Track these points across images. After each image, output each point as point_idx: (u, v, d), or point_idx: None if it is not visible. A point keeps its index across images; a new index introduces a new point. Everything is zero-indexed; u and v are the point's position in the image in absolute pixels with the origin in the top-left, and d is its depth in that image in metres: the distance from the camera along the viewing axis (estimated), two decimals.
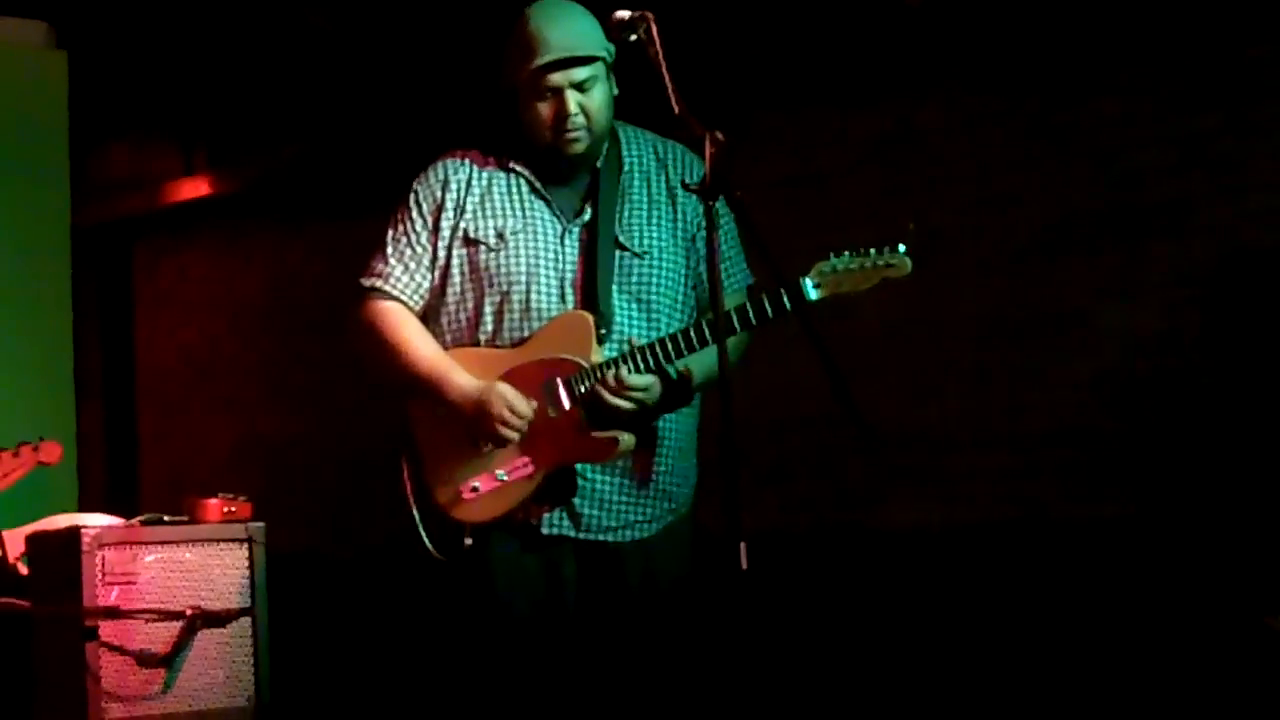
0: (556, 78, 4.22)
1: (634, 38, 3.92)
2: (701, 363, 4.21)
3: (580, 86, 4.23)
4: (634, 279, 4.31)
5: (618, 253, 4.31)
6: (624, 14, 3.93)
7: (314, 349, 9.33)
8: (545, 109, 4.25)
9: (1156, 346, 6.31)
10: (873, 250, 4.16)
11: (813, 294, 4.12)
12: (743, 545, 3.52)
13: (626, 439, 4.21)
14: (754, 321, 4.13)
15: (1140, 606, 6.15)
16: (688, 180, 4.31)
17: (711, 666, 4.39)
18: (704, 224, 4.11)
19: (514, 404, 4.20)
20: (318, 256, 9.40)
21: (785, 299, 4.08)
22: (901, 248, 4.17)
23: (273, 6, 8.90)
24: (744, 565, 3.52)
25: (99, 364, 10.32)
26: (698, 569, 4.45)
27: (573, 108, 4.22)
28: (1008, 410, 6.70)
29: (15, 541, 5.72)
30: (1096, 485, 6.45)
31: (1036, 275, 6.63)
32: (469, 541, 4.28)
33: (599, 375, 4.16)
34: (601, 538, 4.31)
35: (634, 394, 4.14)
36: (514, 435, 4.21)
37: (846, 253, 4.16)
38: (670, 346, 4.14)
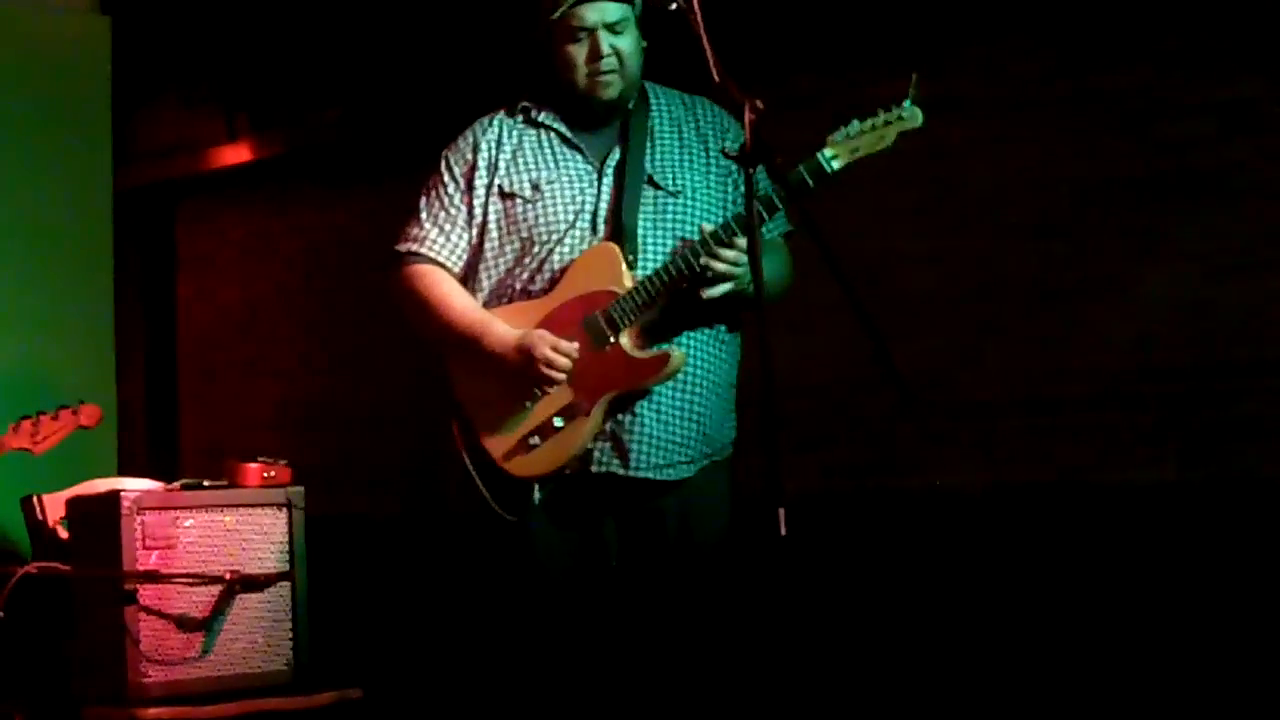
0: (591, 17, 4.24)
1: (675, 6, 3.91)
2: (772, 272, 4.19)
3: (613, 28, 4.25)
4: (669, 217, 4.31)
5: (652, 191, 4.31)
6: None
7: (355, 312, 9.34)
8: (578, 51, 4.27)
9: (1197, 311, 6.28)
10: (880, 110, 4.15)
11: (834, 165, 4.12)
12: (781, 511, 3.51)
13: (677, 353, 4.21)
14: (780, 206, 4.15)
15: (1179, 572, 6.13)
16: (721, 136, 4.34)
17: (751, 631, 4.39)
18: (733, 165, 4.13)
19: (557, 343, 4.20)
20: (360, 219, 9.40)
21: (807, 177, 4.06)
22: (908, 102, 4.15)
23: None
24: (783, 531, 3.51)
25: (140, 328, 10.35)
26: (736, 528, 4.44)
27: (605, 48, 4.24)
28: (1048, 374, 6.68)
29: (55, 505, 5.74)
30: (1137, 450, 6.42)
31: (1077, 240, 6.60)
32: (538, 497, 4.28)
33: (695, 249, 4.14)
34: (647, 474, 4.29)
35: (742, 258, 4.10)
36: (560, 376, 4.21)
37: (854, 119, 4.14)
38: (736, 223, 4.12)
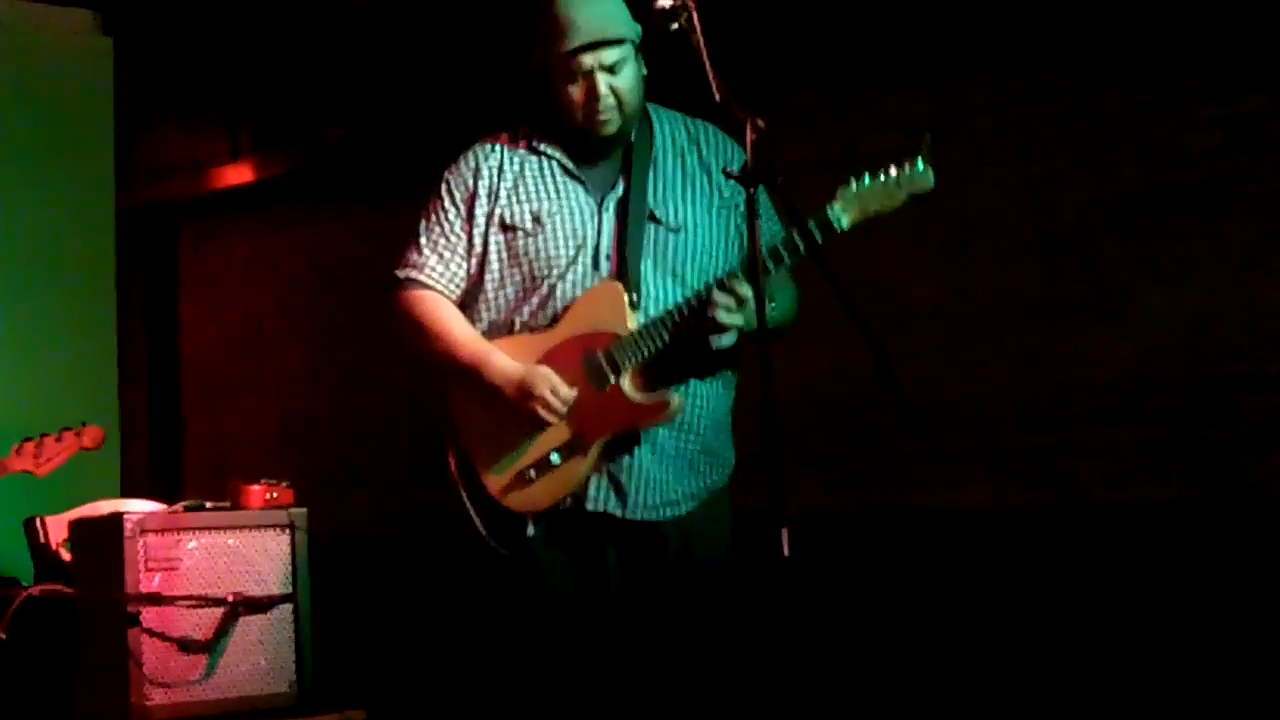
0: (586, 60, 4.22)
1: (675, 26, 3.91)
2: (781, 310, 4.21)
3: (610, 69, 4.22)
4: (669, 253, 4.30)
5: (651, 226, 4.30)
6: (665, 2, 3.91)
7: (358, 331, 9.34)
8: (576, 91, 4.25)
9: (1200, 327, 6.27)
10: (892, 167, 4.14)
11: (843, 222, 4.10)
12: (784, 531, 3.50)
13: (676, 399, 4.20)
14: (787, 260, 4.12)
15: (1183, 590, 6.12)
16: (725, 164, 4.30)
17: (753, 649, 4.38)
18: (738, 196, 4.12)
19: (556, 385, 4.19)
20: (362, 238, 9.41)
21: (815, 231, 4.06)
22: (920, 162, 4.14)
23: None
24: (786, 552, 3.50)
25: (143, 347, 10.36)
26: (737, 550, 4.43)
27: (603, 89, 4.22)
28: (1051, 391, 6.67)
29: (58, 527, 5.73)
30: (1141, 468, 6.41)
31: (1080, 256, 6.60)
32: (531, 531, 4.27)
33: (696, 300, 4.14)
34: (644, 516, 4.29)
35: (744, 298, 4.09)
36: (555, 418, 4.20)
37: (866, 174, 4.14)
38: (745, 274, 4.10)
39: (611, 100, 4.23)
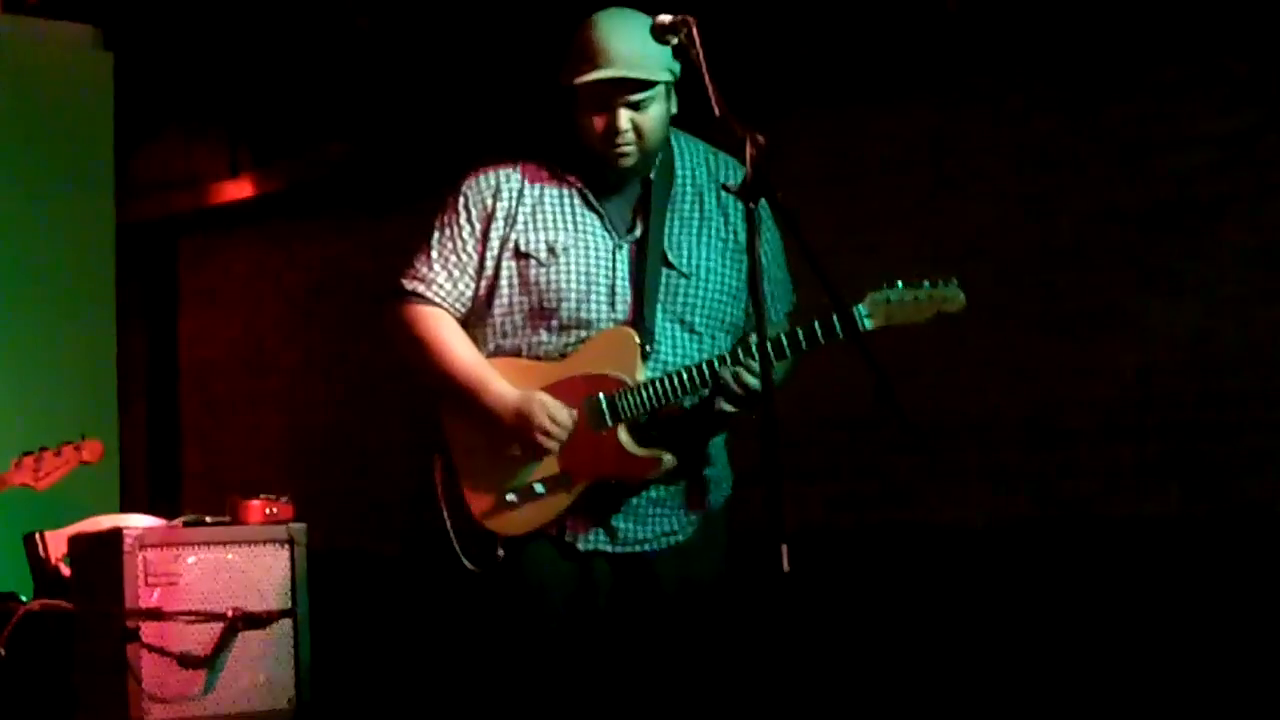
0: (610, 93, 4.12)
1: (675, 41, 3.89)
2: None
3: (635, 105, 4.12)
4: (678, 299, 4.25)
5: (665, 270, 4.24)
6: (666, 18, 3.88)
7: (358, 346, 9.35)
8: (597, 120, 4.14)
9: (1199, 343, 6.28)
10: (926, 282, 4.11)
11: (867, 324, 4.08)
12: (784, 548, 3.49)
13: (668, 459, 4.18)
14: (805, 347, 4.08)
15: (1183, 604, 6.12)
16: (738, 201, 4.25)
17: (751, 668, 4.37)
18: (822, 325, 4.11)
19: (555, 413, 4.17)
20: (361, 253, 9.42)
21: (838, 326, 4.03)
22: (955, 282, 4.10)
23: (315, 7, 8.92)
24: (786, 568, 3.49)
25: (142, 362, 10.37)
26: (734, 569, 4.42)
27: (624, 124, 4.13)
28: (1051, 407, 6.68)
29: (57, 542, 5.73)
30: (1141, 483, 6.41)
31: (1078, 272, 6.61)
32: (501, 553, 4.26)
33: (711, 368, 4.10)
34: (636, 549, 4.29)
35: (749, 386, 4.07)
36: (553, 445, 4.18)
37: (900, 283, 4.10)
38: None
39: (631, 136, 4.14)
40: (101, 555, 5.24)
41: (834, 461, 7.21)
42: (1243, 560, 6.04)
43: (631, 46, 4.06)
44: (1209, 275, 6.28)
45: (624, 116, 4.13)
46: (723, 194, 4.28)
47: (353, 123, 9.20)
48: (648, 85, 4.11)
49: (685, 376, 4.12)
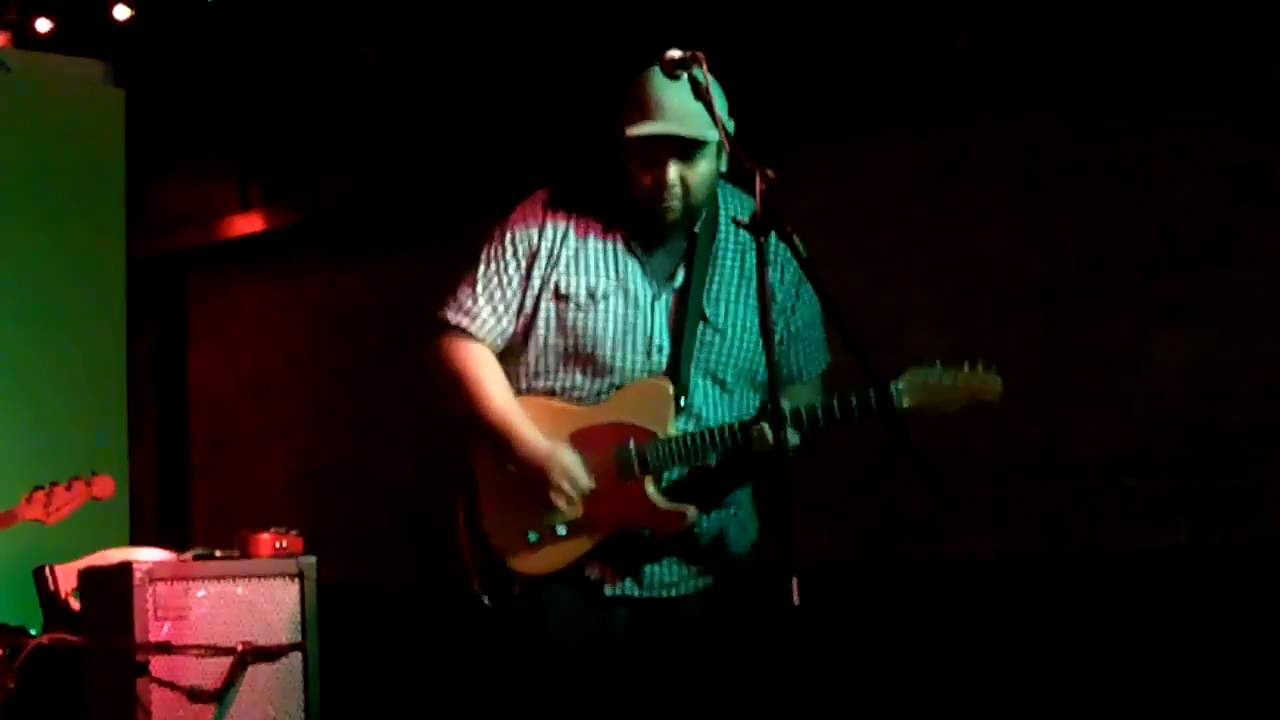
0: (663, 148, 4.11)
1: (685, 77, 3.90)
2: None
3: (685, 160, 4.12)
4: (711, 354, 4.25)
5: (700, 325, 4.24)
6: (675, 53, 3.89)
7: (367, 380, 9.35)
8: (646, 173, 4.14)
9: (1207, 376, 6.28)
10: (966, 365, 4.09)
11: (905, 403, 4.06)
12: (794, 581, 3.49)
13: (693, 513, 4.18)
14: (839, 420, 4.08)
15: (1194, 638, 6.11)
16: (781, 263, 4.23)
17: (763, 698, 4.37)
18: (791, 301, 4.11)
19: (576, 477, 4.17)
20: (371, 288, 9.43)
21: (873, 402, 4.03)
22: (995, 370, 4.10)
23: (325, 43, 8.95)
24: (796, 601, 3.49)
25: (152, 397, 10.37)
26: (754, 606, 4.41)
27: (672, 178, 4.12)
28: (1060, 440, 6.67)
29: (67, 576, 5.73)
30: (1149, 516, 6.41)
31: (1086, 306, 6.61)
32: (517, 590, 4.25)
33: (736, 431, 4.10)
34: (663, 593, 4.29)
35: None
36: (564, 505, 4.18)
37: (939, 363, 4.09)
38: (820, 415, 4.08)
39: (679, 190, 4.13)
40: (111, 589, 5.23)
41: (843, 495, 7.20)
42: (1253, 593, 6.03)
43: (685, 103, 4.00)
44: (1217, 308, 6.28)
45: (673, 171, 4.12)
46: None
47: (362, 157, 9.22)
48: (699, 144, 4.10)
49: (716, 434, 4.12)
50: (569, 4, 7.92)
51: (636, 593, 4.26)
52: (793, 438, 4.02)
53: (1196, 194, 6.31)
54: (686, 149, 4.10)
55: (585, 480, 4.16)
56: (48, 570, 5.85)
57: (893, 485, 7.03)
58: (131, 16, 8.65)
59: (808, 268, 3.84)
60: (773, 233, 3.65)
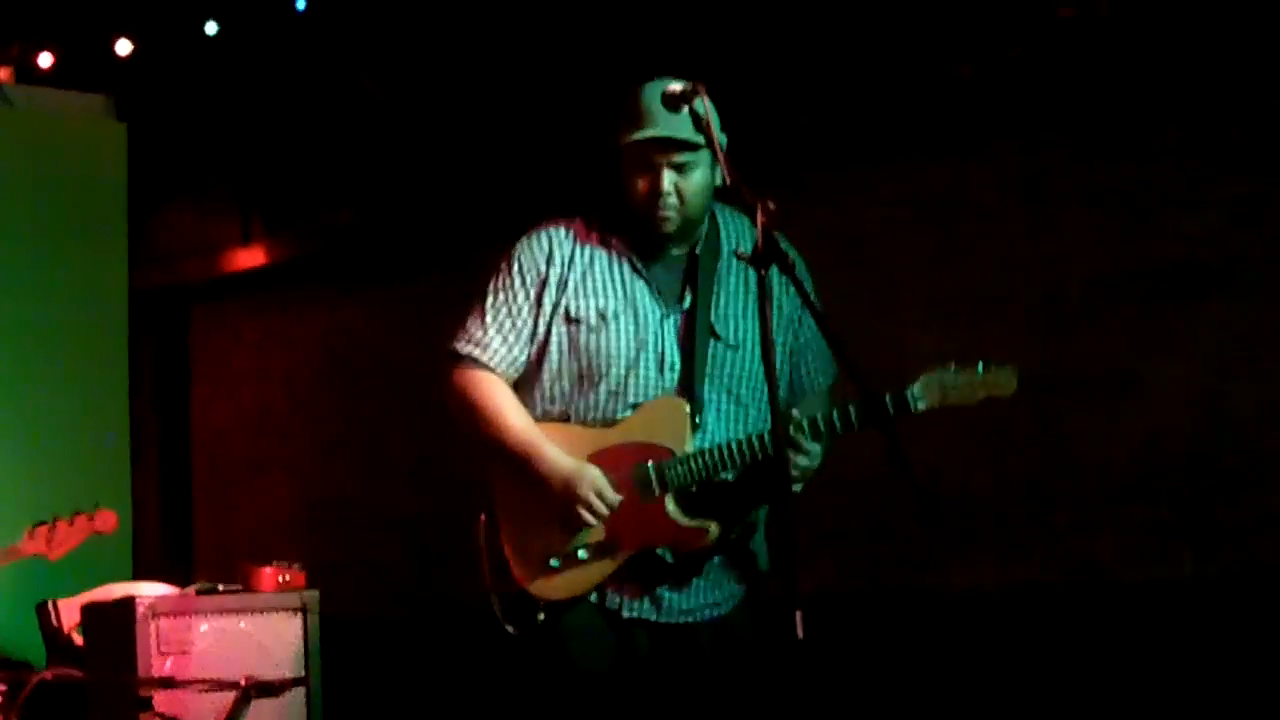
0: (655, 154, 4.17)
1: (686, 109, 3.92)
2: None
3: (678, 167, 4.17)
4: (726, 371, 4.27)
5: (713, 342, 4.27)
6: (676, 85, 3.93)
7: (369, 412, 9.35)
8: (641, 181, 4.20)
9: (1208, 405, 6.27)
10: (980, 366, 4.12)
11: (920, 406, 4.09)
12: (798, 614, 3.49)
13: (714, 529, 4.18)
14: (856, 427, 4.10)
15: (1198, 668, 6.09)
16: (788, 291, 4.24)
17: None
18: (799, 313, 4.12)
19: (603, 490, 4.17)
20: (373, 320, 9.43)
21: (890, 405, 4.05)
22: (1009, 369, 4.13)
23: (326, 76, 8.97)
24: (800, 634, 3.49)
25: (155, 430, 10.37)
26: (760, 632, 4.41)
27: (666, 186, 4.17)
28: (1062, 470, 6.66)
29: (70, 611, 5.73)
30: (1152, 546, 6.40)
31: (1088, 335, 6.61)
32: (542, 617, 4.25)
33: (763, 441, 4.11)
34: (680, 619, 4.29)
35: (809, 452, 4.11)
36: (594, 521, 4.18)
37: (953, 365, 4.12)
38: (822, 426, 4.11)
39: (674, 200, 4.18)
40: (114, 624, 5.24)
41: (847, 525, 7.19)
42: (1256, 622, 6.02)
43: (676, 112, 4.08)
44: (1218, 337, 6.27)
45: (667, 178, 4.17)
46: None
47: (363, 190, 9.23)
48: (691, 147, 4.15)
49: (734, 448, 4.13)
50: (570, 36, 7.94)
51: (655, 617, 4.26)
52: (813, 450, 4.09)
53: (1197, 222, 6.31)
54: (679, 155, 4.17)
55: (613, 495, 4.17)
56: (50, 605, 5.85)
57: (896, 515, 7.02)
58: (133, 50, 8.69)
59: (810, 304, 3.88)
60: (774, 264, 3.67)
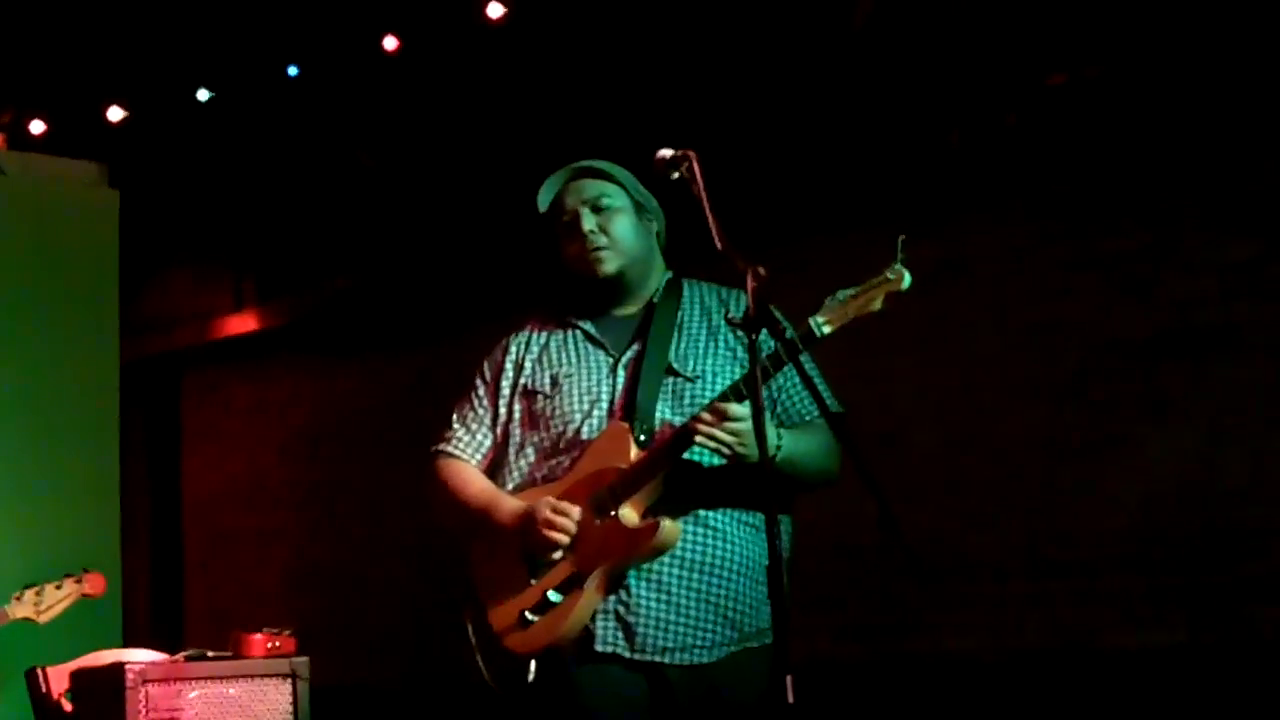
0: (569, 200, 4.31)
1: (676, 175, 3.93)
2: (795, 442, 4.19)
3: (594, 205, 4.30)
4: (684, 399, 4.26)
5: (671, 379, 4.27)
6: (666, 152, 3.94)
7: (361, 479, 9.34)
8: (568, 237, 4.31)
9: (1203, 472, 6.27)
10: (869, 276, 4.14)
11: (824, 330, 4.09)
12: (789, 679, 3.46)
13: (668, 524, 4.14)
14: (772, 372, 4.09)
15: None
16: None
17: None
18: (772, 352, 4.11)
19: (558, 505, 4.18)
20: (364, 388, 9.44)
21: (798, 341, 4.05)
22: (897, 263, 4.14)
23: (320, 144, 9.00)
24: (790, 699, 3.46)
25: (146, 495, 10.35)
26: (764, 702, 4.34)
27: (588, 225, 4.28)
28: (1057, 536, 6.66)
29: (59, 677, 5.69)
30: (1148, 612, 6.38)
31: (1082, 401, 6.61)
32: (533, 674, 4.22)
33: (689, 423, 4.09)
34: (656, 658, 4.22)
35: (734, 425, 4.08)
36: (563, 538, 4.17)
37: (846, 287, 4.14)
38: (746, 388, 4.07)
39: (601, 238, 4.28)
40: (104, 690, 5.20)
41: (840, 591, 7.18)
42: (1251, 690, 6.00)
43: (582, 162, 4.31)
44: (1213, 404, 6.28)
45: (587, 220, 4.28)
46: (732, 313, 4.30)
47: (356, 257, 9.25)
48: (599, 175, 4.30)
49: (669, 443, 4.13)
50: (567, 105, 7.97)
51: (628, 653, 4.21)
52: (731, 409, 4.02)
53: (1192, 289, 6.32)
54: (589, 190, 4.31)
55: (569, 506, 4.17)
56: (39, 671, 5.81)
57: (891, 581, 7.00)
58: (125, 117, 8.72)
59: (794, 361, 3.90)
60: (764, 329, 3.67)
